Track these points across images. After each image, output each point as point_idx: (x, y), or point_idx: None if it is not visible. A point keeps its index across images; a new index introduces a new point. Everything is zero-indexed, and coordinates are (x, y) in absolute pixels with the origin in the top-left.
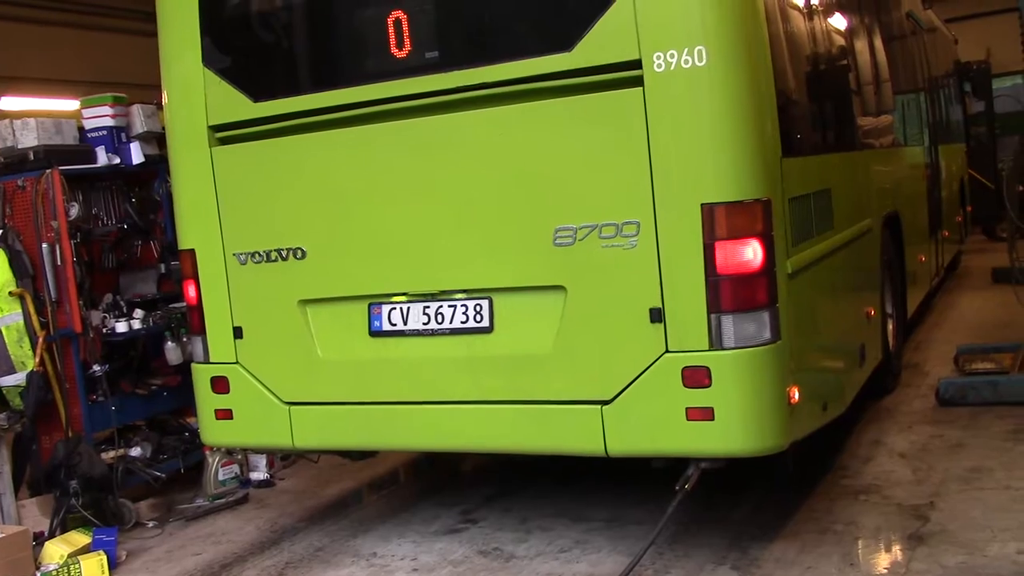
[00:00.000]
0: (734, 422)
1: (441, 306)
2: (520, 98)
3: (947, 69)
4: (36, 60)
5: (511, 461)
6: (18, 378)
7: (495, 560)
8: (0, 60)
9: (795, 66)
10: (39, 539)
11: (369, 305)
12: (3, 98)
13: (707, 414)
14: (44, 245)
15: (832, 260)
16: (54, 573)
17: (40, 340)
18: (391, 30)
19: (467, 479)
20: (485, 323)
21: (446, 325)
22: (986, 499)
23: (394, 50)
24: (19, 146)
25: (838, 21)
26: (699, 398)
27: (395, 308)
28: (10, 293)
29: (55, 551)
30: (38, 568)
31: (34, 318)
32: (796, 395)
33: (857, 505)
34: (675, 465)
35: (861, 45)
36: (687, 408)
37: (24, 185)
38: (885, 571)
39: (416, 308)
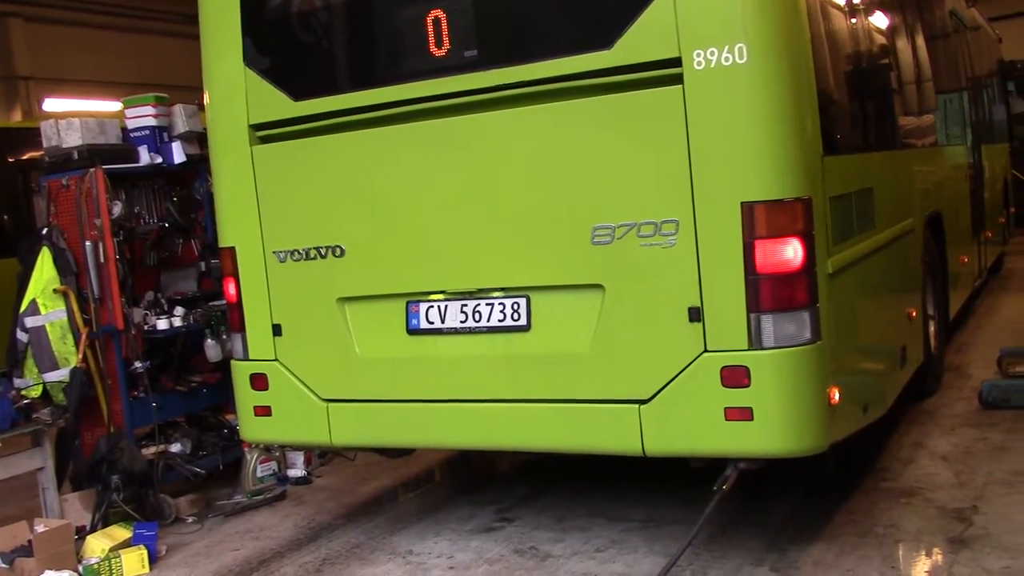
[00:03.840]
0: (773, 422)
1: (479, 304)
2: (559, 96)
3: (990, 68)
4: (80, 62)
5: (547, 460)
6: (61, 374)
7: (531, 559)
8: (45, 62)
9: (836, 64)
10: (81, 533)
11: (407, 303)
12: (47, 99)
13: (746, 414)
14: (87, 243)
15: (873, 260)
16: (96, 566)
17: (83, 337)
18: (430, 29)
19: (503, 478)
20: (522, 321)
21: (483, 323)
22: None
23: (433, 49)
24: (64, 145)
25: (880, 19)
26: (738, 398)
27: (433, 306)
28: (54, 290)
29: (97, 545)
30: (80, 561)
31: (77, 315)
32: (836, 396)
33: (898, 508)
34: (713, 465)
35: (903, 44)
36: (726, 408)
37: (68, 184)
38: (927, 574)
39: (454, 306)
